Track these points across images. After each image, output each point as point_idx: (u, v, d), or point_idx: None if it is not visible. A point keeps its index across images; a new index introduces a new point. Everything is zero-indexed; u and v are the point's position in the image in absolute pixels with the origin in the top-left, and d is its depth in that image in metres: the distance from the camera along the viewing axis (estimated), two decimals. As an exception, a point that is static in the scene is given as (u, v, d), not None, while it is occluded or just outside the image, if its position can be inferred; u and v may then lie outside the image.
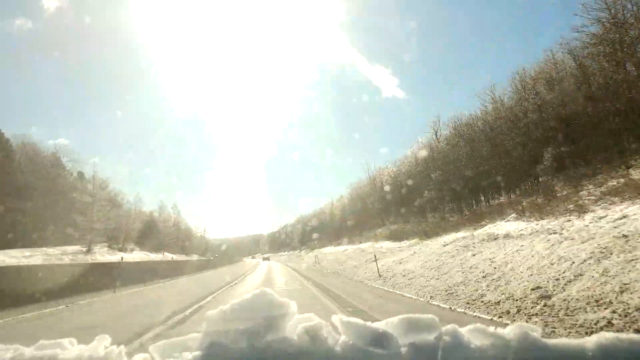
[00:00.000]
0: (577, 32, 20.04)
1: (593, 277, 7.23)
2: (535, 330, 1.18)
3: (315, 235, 75.46)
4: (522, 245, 11.58)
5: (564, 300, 6.94)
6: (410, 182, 34.45)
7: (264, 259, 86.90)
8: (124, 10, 73.32)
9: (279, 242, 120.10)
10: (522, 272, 9.25)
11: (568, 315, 6.35)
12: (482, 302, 8.56)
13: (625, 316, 5.60)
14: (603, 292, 6.48)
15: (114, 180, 60.48)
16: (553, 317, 6.53)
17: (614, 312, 5.80)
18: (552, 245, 10.14)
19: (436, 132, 37.56)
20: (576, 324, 5.93)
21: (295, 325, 1.23)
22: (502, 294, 8.50)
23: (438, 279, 12.43)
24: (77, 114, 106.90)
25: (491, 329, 1.20)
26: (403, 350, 1.17)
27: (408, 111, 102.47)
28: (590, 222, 10.77)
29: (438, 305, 9.42)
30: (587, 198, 13.56)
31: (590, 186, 15.00)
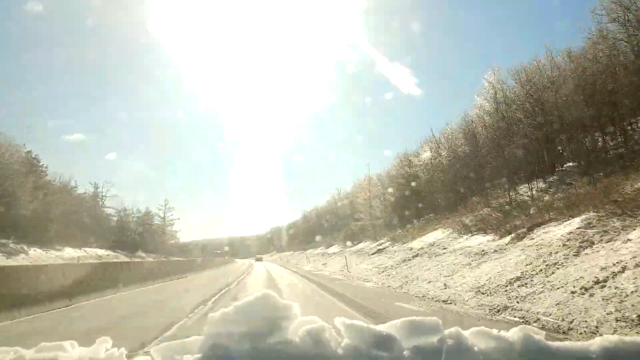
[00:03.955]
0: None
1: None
2: (539, 333, 1.21)
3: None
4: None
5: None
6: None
7: (257, 259, 72.18)
8: (142, 6, 73.14)
9: (300, 236, 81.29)
10: None
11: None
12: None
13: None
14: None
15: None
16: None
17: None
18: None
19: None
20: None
21: (298, 327, 1.26)
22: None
23: None
24: (94, 110, 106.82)
25: (494, 331, 1.23)
26: (406, 353, 1.20)
27: (426, 108, 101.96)
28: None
29: None
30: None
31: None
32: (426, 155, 33.76)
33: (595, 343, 1.19)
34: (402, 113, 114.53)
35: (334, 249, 45.47)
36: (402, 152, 39.63)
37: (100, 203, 56.18)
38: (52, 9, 75.39)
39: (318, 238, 59.84)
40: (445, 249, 16.89)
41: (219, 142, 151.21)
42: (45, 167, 43.30)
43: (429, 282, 12.71)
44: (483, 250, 13.40)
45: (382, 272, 18.46)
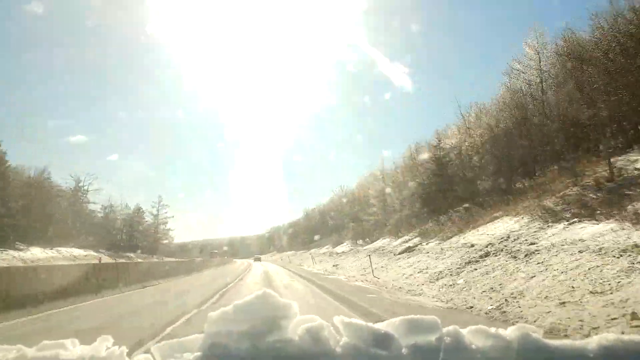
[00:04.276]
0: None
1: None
2: (537, 331, 1.22)
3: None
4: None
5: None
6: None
7: (255, 259, 70.33)
8: (142, 6, 73.25)
9: (302, 234, 74.79)
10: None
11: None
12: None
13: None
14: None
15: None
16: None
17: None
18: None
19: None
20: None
21: (297, 326, 1.27)
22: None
23: None
24: (95, 111, 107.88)
25: (492, 330, 1.24)
26: (404, 351, 1.21)
27: (427, 108, 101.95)
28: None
29: None
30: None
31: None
32: (454, 137, 29.95)
33: (593, 342, 1.20)
34: (402, 112, 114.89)
35: (344, 247, 40.90)
36: (414, 142, 36.29)
37: (82, 198, 50.38)
38: (53, 10, 75.89)
39: (317, 237, 58.29)
40: (533, 244, 12.23)
41: (219, 142, 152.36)
42: (4, 152, 37.47)
43: (562, 303, 7.54)
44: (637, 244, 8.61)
45: (436, 279, 13.27)
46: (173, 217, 64.30)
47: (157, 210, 60.86)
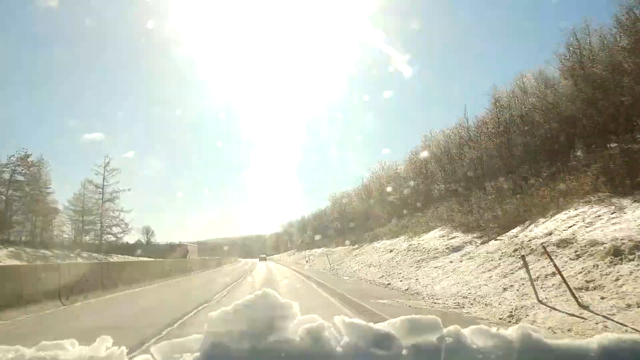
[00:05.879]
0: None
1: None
2: (538, 331, 1.22)
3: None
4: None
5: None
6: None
7: (261, 259, 62.90)
8: (158, 3, 72.01)
9: (334, 224, 54.71)
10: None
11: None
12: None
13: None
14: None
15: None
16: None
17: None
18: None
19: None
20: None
21: (298, 326, 1.27)
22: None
23: None
24: (113, 109, 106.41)
25: (493, 329, 1.24)
26: (405, 351, 1.21)
27: (442, 103, 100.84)
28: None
29: None
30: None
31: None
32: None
33: (594, 341, 1.20)
34: (418, 109, 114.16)
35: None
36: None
37: None
38: (66, 6, 75.11)
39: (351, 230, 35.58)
40: None
41: (234, 141, 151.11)
42: None
43: None
44: None
45: None
46: (129, 190, 43.39)
47: (103, 179, 36.62)
